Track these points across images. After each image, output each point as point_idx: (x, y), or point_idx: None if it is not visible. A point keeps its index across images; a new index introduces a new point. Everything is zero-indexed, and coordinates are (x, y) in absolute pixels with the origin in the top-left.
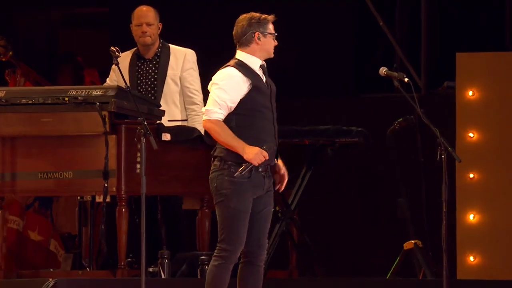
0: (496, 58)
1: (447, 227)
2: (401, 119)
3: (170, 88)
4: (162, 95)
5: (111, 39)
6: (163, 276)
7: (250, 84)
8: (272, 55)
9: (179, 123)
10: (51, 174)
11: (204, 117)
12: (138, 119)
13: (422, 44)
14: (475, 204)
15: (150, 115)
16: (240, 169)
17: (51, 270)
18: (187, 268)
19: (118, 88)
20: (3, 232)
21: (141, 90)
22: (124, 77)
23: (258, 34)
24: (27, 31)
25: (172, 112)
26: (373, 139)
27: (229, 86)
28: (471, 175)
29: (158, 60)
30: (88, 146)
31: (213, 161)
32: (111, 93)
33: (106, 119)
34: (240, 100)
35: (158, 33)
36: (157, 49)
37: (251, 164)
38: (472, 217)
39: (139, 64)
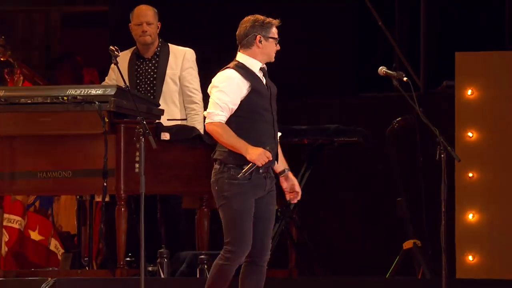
0: (495, 58)
1: (446, 226)
2: (400, 118)
3: (169, 87)
4: (161, 95)
5: (110, 38)
6: (162, 276)
7: (249, 86)
8: (273, 59)
9: (178, 122)
10: (50, 173)
11: (207, 120)
12: (137, 118)
13: (421, 44)
14: (474, 203)
15: (149, 114)
16: (244, 170)
17: (50, 269)
18: (187, 268)
19: (117, 87)
20: (1, 232)
21: (140, 89)
22: (123, 76)
23: (260, 37)
24: (25, 30)
25: (171, 111)
26: (373, 139)
27: (229, 88)
28: (470, 175)
29: (157, 59)
30: (87, 146)
31: (214, 164)
32: (110, 92)
33: (105, 119)
34: (240, 102)
35: (157, 32)
36: (157, 48)
37: (255, 164)
38: (471, 217)
39: (138, 64)
